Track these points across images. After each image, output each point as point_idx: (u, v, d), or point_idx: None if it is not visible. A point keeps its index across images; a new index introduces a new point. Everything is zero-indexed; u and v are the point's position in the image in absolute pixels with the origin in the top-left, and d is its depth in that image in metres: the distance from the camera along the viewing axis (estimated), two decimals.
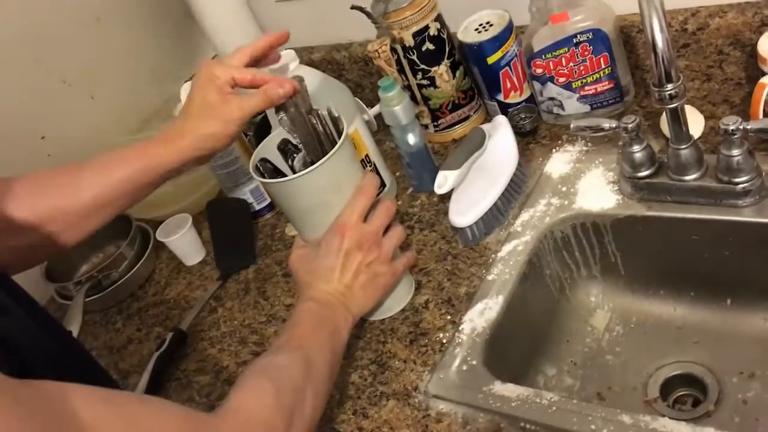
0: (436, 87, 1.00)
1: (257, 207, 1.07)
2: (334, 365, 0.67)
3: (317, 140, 0.76)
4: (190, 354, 0.92)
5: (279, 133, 0.77)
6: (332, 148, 0.75)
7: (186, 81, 1.29)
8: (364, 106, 1.13)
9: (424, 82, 1.00)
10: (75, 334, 0.92)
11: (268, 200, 1.08)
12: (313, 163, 0.71)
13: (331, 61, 1.22)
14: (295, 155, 0.75)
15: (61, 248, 0.74)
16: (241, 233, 1.03)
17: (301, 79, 0.74)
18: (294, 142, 0.75)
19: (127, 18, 1.21)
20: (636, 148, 0.80)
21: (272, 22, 1.27)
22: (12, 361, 0.46)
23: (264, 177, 0.73)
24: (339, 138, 0.75)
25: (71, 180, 0.74)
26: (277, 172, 0.76)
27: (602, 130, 0.81)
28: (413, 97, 1.01)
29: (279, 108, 0.74)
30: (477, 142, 0.88)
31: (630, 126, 0.78)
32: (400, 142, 0.95)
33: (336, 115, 0.75)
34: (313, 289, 0.70)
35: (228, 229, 1.03)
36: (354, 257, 0.70)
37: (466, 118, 1.03)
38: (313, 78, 0.94)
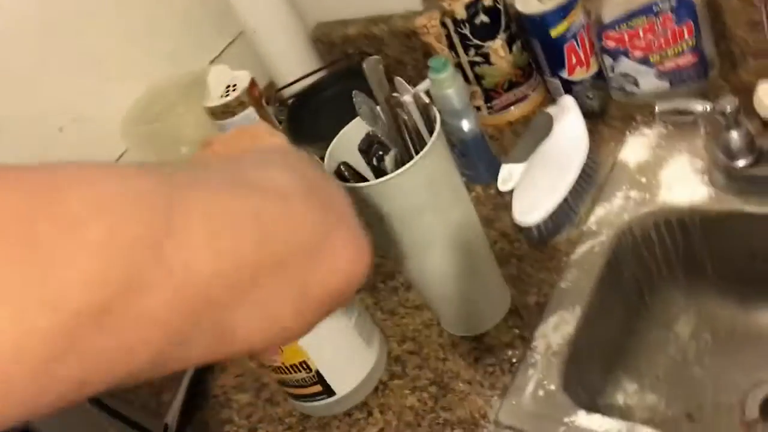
0: (490, 64, 0.89)
1: None
2: None
3: (399, 133, 0.65)
4: (229, 368, 0.84)
5: (354, 129, 0.67)
6: (418, 142, 0.65)
7: (211, 62, 1.20)
8: (406, 84, 1.03)
9: (478, 59, 0.89)
10: None
11: None
12: (405, 162, 0.61)
13: (368, 35, 1.12)
14: (380, 153, 0.64)
15: None
16: None
17: (377, 61, 0.64)
18: (381, 137, 0.65)
19: None
20: (733, 134, 0.69)
21: None
22: None
23: (349, 182, 0.63)
24: (428, 129, 0.65)
25: None
26: (359, 177, 0.66)
27: (693, 114, 0.70)
28: (464, 76, 0.91)
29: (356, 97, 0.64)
30: (543, 128, 0.77)
31: (728, 110, 0.67)
32: (453, 128, 0.85)
33: (426, 102, 0.65)
34: None
35: None
36: None
37: (524, 97, 0.93)
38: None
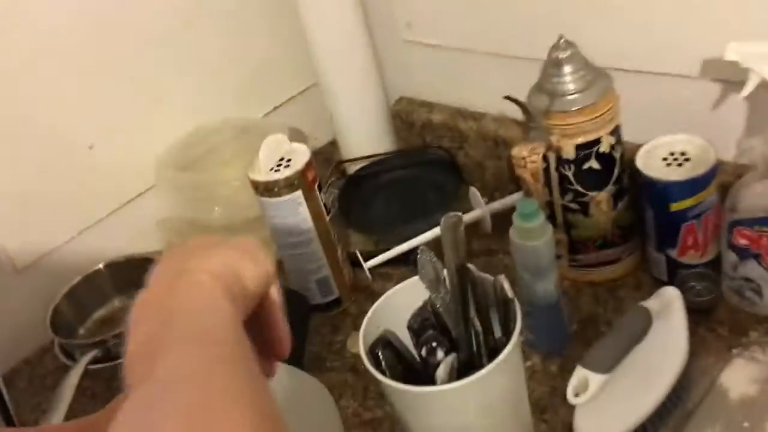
0: (587, 216, 0.75)
1: (321, 299, 0.85)
2: None
3: (462, 310, 0.51)
4: None
5: (409, 288, 0.54)
6: (483, 327, 0.51)
7: (274, 108, 1.08)
8: (480, 197, 0.89)
9: (574, 206, 0.75)
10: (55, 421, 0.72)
11: (336, 294, 0.85)
12: (460, 353, 0.47)
13: (453, 128, 0.98)
14: (434, 345, 0.50)
15: None
16: (291, 335, 0.80)
17: (459, 221, 0.50)
18: (438, 309, 0.50)
19: (217, 23, 0.99)
20: None
21: (395, 62, 1.04)
22: None
23: (380, 366, 0.49)
24: (501, 316, 0.50)
25: None
26: (398, 358, 0.51)
27: None
28: (551, 218, 0.76)
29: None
30: (637, 330, 0.62)
31: None
32: (525, 284, 0.70)
33: (508, 296, 0.50)
34: None
35: None
36: None
37: (617, 260, 0.78)
38: None
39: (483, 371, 0.45)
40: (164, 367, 0.29)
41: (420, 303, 0.53)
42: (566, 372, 0.70)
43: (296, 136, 1.09)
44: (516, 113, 0.81)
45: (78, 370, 0.78)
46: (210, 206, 0.87)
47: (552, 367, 0.72)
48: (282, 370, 0.50)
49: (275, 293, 0.43)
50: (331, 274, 0.83)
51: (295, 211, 0.78)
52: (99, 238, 0.92)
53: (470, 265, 0.52)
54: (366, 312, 0.83)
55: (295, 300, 0.81)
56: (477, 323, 0.49)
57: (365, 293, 0.87)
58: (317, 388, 0.54)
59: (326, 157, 1.11)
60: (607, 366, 0.59)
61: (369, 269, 0.87)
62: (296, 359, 0.80)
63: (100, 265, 0.89)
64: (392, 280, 0.88)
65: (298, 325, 0.81)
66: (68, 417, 0.76)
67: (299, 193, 0.77)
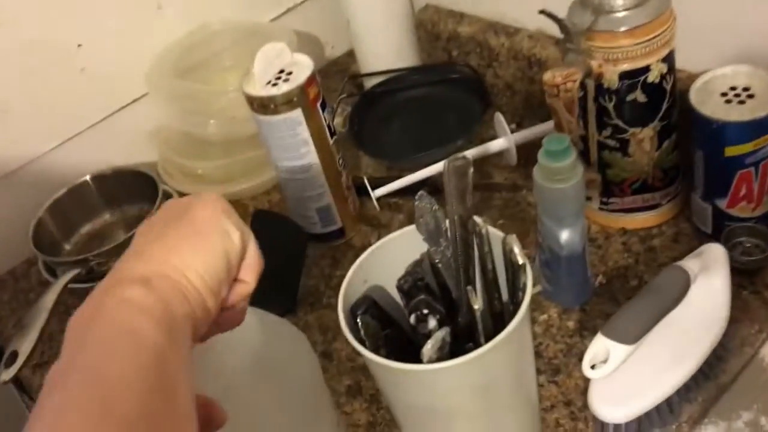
0: (626, 155, 0.65)
1: (322, 229, 0.77)
2: None
3: (464, 268, 0.43)
4: None
5: (404, 238, 0.46)
6: (486, 287, 0.43)
7: (286, 11, 0.98)
8: (506, 125, 0.79)
9: (612, 142, 0.65)
10: (23, 353, 0.66)
11: (339, 225, 0.77)
12: (456, 321, 0.39)
13: (482, 43, 0.87)
14: (425, 313, 0.42)
15: None
16: (285, 268, 0.73)
17: (467, 165, 0.41)
18: (436, 263, 0.42)
19: None
20: None
21: None
22: None
23: (358, 334, 0.42)
24: (509, 279, 0.42)
25: None
26: (384, 320, 0.44)
27: None
28: (584, 155, 0.67)
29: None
30: (672, 295, 0.54)
31: None
32: (548, 232, 0.61)
33: (519, 261, 0.42)
34: None
35: (269, 256, 0.74)
36: None
37: (655, 206, 0.69)
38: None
39: (478, 351, 0.38)
40: (47, 407, 0.28)
41: (418, 255, 0.45)
42: (585, 330, 0.63)
43: (309, 42, 0.99)
44: (557, 30, 0.71)
45: (55, 289, 0.72)
46: (205, 118, 0.79)
47: (569, 323, 0.64)
48: (251, 313, 0.43)
49: (239, 299, 0.37)
50: (334, 202, 0.75)
51: (293, 131, 0.69)
52: (87, 147, 0.85)
53: (477, 218, 0.43)
54: (370, 246, 0.75)
55: (290, 231, 0.74)
56: (473, 296, 0.41)
57: (371, 224, 0.80)
58: (293, 334, 0.47)
59: (342, 68, 1.02)
60: (632, 336, 0.51)
61: (377, 198, 0.79)
62: (290, 294, 0.73)
63: (87, 177, 0.82)
64: (402, 212, 0.80)
65: (296, 258, 0.74)
66: (42, 336, 0.72)
67: (299, 111, 0.68)
